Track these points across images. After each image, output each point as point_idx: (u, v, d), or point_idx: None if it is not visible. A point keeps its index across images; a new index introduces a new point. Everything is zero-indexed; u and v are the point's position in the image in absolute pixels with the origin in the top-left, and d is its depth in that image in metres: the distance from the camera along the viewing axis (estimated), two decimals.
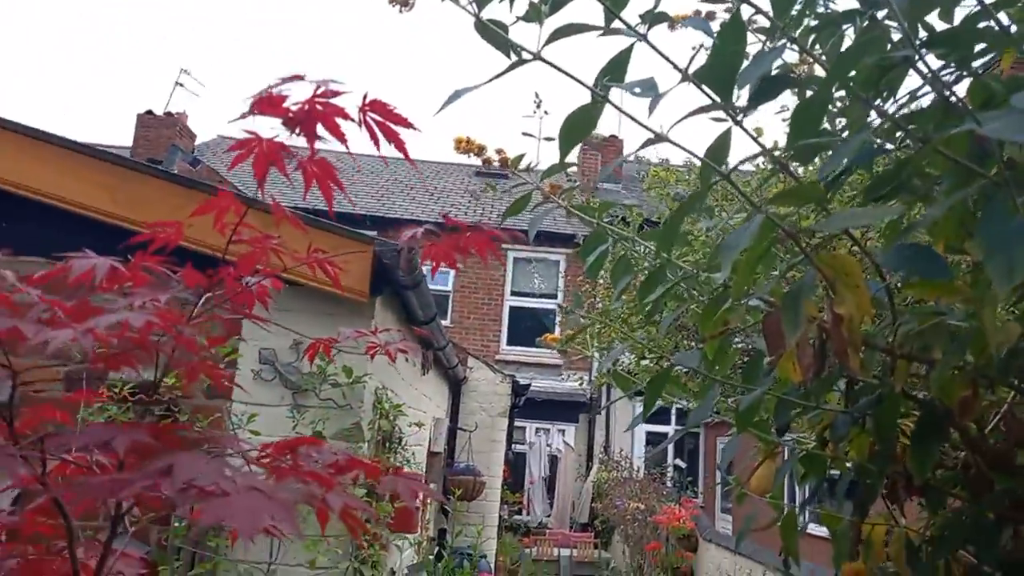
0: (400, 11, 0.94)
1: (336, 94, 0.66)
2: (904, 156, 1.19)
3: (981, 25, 1.09)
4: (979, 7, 1.01)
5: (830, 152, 1.22)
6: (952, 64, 1.19)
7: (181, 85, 14.45)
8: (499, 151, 1.72)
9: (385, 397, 3.30)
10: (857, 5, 1.22)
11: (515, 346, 12.85)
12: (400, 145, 0.73)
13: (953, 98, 1.24)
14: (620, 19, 1.20)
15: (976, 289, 1.09)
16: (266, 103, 0.65)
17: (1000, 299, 0.78)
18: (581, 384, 7.51)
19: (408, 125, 0.72)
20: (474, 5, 0.96)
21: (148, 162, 13.31)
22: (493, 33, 0.97)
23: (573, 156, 1.27)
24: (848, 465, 1.42)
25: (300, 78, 0.63)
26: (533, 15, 0.99)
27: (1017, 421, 1.21)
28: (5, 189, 3.06)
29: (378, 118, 0.71)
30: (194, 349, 0.71)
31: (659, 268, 1.41)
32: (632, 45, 1.02)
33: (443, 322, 12.75)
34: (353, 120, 0.70)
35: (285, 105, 0.66)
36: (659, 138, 0.99)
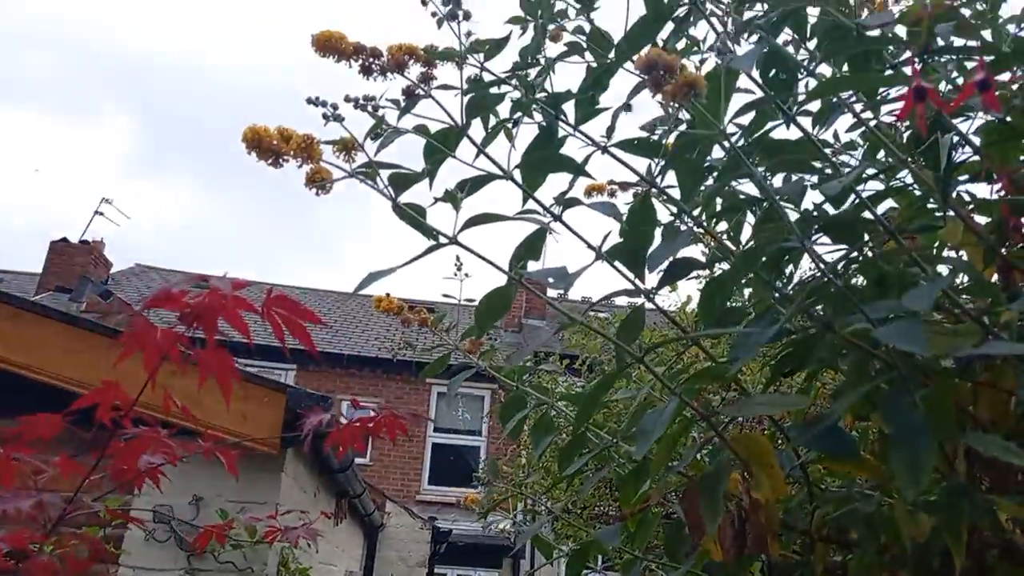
0: (318, 194, 0.94)
1: (242, 285, 0.64)
2: (810, 334, 1.23)
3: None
4: (857, 200, 1.09)
5: (740, 325, 1.26)
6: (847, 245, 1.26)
7: (101, 214, 14.22)
8: (419, 311, 1.72)
9: (292, 557, 3.06)
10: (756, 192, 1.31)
11: (438, 485, 12.38)
12: (306, 340, 0.70)
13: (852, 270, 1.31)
14: (535, 199, 1.24)
15: (885, 465, 1.11)
16: (163, 299, 0.62)
17: (908, 500, 0.78)
18: (503, 532, 7.21)
19: (315, 320, 0.70)
20: (390, 190, 0.98)
21: (57, 290, 12.76)
22: (411, 217, 0.97)
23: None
24: None
25: (205, 279, 0.60)
26: (449, 200, 1.00)
27: None
28: None
29: (283, 312, 0.69)
30: (52, 572, 0.63)
31: (578, 437, 1.39)
32: (546, 229, 1.05)
33: (362, 460, 12.23)
34: (257, 312, 0.68)
35: (185, 300, 0.63)
36: (573, 321, 1.00)
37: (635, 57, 0.79)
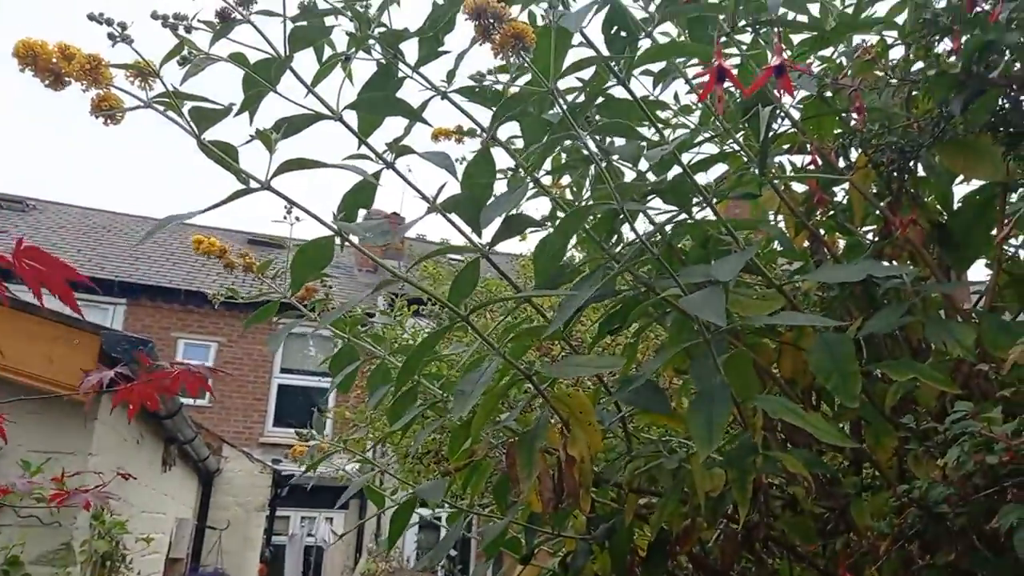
0: (106, 124, 0.83)
1: None
2: (635, 294, 1.26)
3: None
4: (681, 170, 1.11)
5: (572, 282, 1.28)
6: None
7: None
8: (244, 255, 1.61)
9: (107, 509, 2.85)
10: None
11: (283, 427, 12.06)
12: (68, 299, 0.61)
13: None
14: (367, 145, 1.17)
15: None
16: None
17: (702, 458, 0.82)
18: (346, 475, 7.16)
19: (74, 275, 0.61)
20: (194, 126, 0.88)
21: None
22: (219, 157, 0.88)
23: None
24: None
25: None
26: (263, 140, 0.92)
27: (730, 542, 1.30)
28: None
29: (35, 265, 0.59)
30: None
31: (407, 391, 1.36)
32: (371, 182, 0.99)
33: (201, 401, 11.62)
34: (10, 264, 0.58)
35: None
36: (397, 278, 0.96)
37: (464, 2, 0.74)
